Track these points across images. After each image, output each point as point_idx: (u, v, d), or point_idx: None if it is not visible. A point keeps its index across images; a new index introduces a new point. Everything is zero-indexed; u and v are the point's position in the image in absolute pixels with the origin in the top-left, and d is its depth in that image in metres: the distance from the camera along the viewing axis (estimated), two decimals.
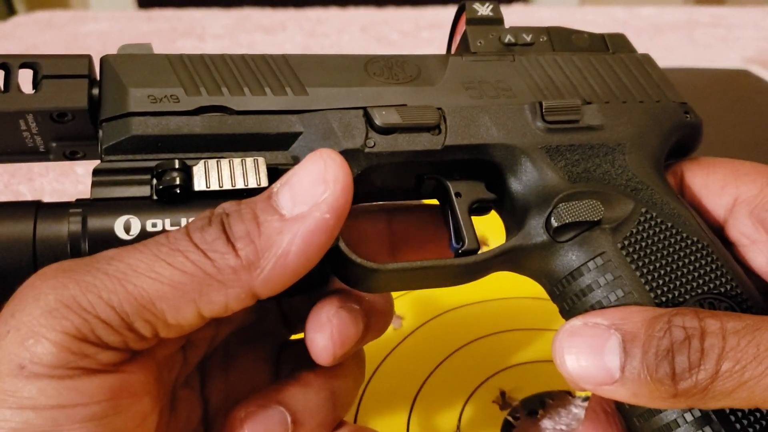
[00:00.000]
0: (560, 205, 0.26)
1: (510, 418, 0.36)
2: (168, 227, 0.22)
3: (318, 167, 0.21)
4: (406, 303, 0.45)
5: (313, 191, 0.20)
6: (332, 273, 0.27)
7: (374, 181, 0.28)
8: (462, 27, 0.31)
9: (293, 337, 0.32)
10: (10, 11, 1.95)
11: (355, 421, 0.36)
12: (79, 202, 0.23)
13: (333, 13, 1.17)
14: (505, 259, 0.27)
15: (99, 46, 0.99)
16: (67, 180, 0.61)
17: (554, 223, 0.26)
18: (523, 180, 0.28)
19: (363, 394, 0.38)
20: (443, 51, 0.34)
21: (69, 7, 2.09)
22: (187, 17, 1.13)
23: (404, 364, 0.40)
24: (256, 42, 1.02)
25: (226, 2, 1.27)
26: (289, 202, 0.21)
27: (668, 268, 0.25)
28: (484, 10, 0.31)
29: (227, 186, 0.23)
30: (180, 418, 0.26)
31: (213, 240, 0.20)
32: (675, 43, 1.02)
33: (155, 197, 0.23)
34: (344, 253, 0.25)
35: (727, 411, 0.22)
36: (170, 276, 0.19)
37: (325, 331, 0.24)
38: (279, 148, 0.26)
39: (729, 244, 0.28)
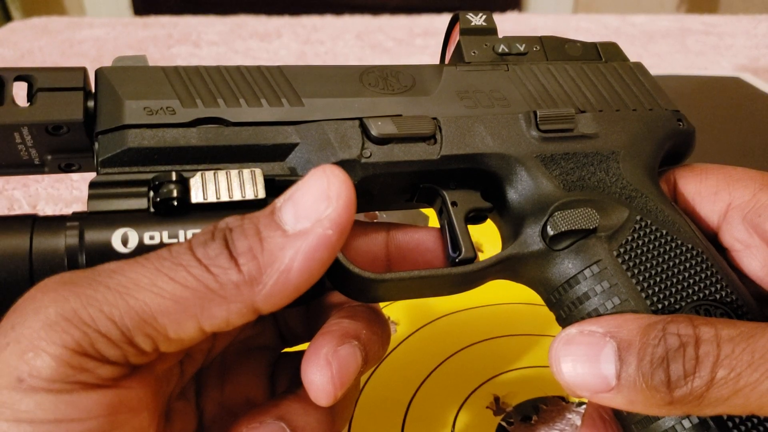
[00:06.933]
0: (556, 213, 0.27)
1: (504, 424, 0.37)
2: (166, 240, 0.22)
3: (321, 183, 0.21)
4: (400, 309, 0.45)
5: (316, 207, 0.20)
6: (331, 284, 0.27)
7: (370, 191, 0.28)
8: (456, 37, 0.32)
9: (288, 349, 0.31)
10: (6, 17, 1.95)
11: (350, 427, 0.36)
12: (76, 215, 0.23)
13: (328, 20, 1.17)
14: (501, 268, 0.27)
15: (95, 53, 0.98)
16: (62, 186, 0.61)
17: (550, 232, 0.26)
18: (519, 189, 0.28)
19: (357, 399, 0.38)
20: (437, 58, 0.34)
21: (65, 14, 2.09)
22: (183, 24, 1.14)
23: (398, 370, 0.40)
24: (251, 49, 1.02)
25: (222, 9, 1.28)
26: (291, 218, 0.21)
27: (664, 276, 0.25)
28: (478, 20, 0.31)
29: (224, 198, 0.23)
30: (175, 429, 0.26)
31: (216, 255, 0.20)
32: (667, 50, 1.03)
33: (152, 210, 0.23)
34: (343, 264, 0.25)
35: (725, 417, 0.22)
36: (172, 290, 0.19)
37: (325, 374, 0.23)
38: (276, 159, 0.26)
39: (723, 250, 0.28)
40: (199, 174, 0.24)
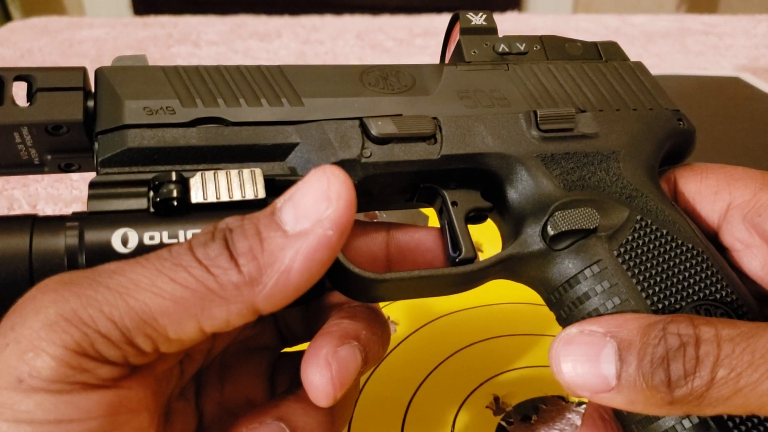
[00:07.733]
0: (556, 213, 0.27)
1: (504, 424, 0.37)
2: (165, 240, 0.22)
3: (321, 184, 0.21)
4: (400, 308, 0.45)
5: (316, 208, 0.20)
6: (331, 284, 0.27)
7: (370, 191, 0.28)
8: (456, 36, 0.32)
9: (288, 349, 0.32)
10: (6, 17, 1.95)
11: (350, 427, 0.36)
12: (76, 215, 0.23)
13: (328, 20, 1.17)
14: (501, 268, 0.27)
15: (94, 53, 0.98)
16: (62, 185, 0.61)
17: (550, 231, 0.26)
18: (519, 188, 0.28)
19: (357, 399, 0.38)
20: (437, 58, 0.34)
21: (65, 14, 2.09)
22: (183, 24, 1.14)
23: (398, 370, 0.40)
24: (251, 49, 1.02)
25: (222, 9, 1.28)
26: (292, 218, 0.21)
27: (664, 275, 0.25)
28: (478, 20, 0.31)
29: (224, 198, 0.23)
30: (175, 429, 0.26)
31: (216, 255, 0.20)
32: (667, 50, 1.03)
33: (152, 210, 0.23)
34: (343, 264, 0.25)
35: (725, 417, 0.22)
36: (172, 291, 0.19)
37: (324, 375, 0.23)
38: (276, 159, 0.26)
39: (723, 250, 0.28)
40: (199, 174, 0.24)
